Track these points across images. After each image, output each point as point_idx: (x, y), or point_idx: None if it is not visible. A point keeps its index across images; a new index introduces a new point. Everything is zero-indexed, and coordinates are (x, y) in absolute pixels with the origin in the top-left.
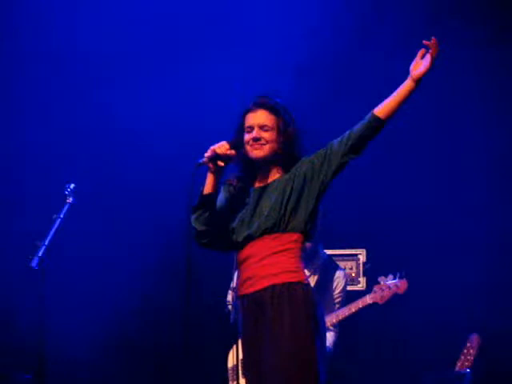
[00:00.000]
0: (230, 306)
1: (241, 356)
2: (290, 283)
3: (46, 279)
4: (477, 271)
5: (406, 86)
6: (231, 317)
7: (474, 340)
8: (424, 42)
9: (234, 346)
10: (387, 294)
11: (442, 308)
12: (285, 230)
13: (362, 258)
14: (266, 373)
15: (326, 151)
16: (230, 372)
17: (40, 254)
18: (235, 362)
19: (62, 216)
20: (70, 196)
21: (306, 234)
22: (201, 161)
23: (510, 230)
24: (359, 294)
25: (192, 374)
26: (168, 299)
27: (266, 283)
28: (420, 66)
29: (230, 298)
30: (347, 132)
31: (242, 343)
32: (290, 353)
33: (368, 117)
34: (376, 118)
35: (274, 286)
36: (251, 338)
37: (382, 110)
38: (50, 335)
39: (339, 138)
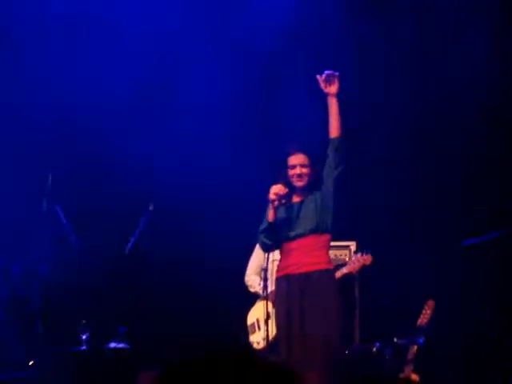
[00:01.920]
0: (252, 283)
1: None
2: (327, 270)
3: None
4: (434, 253)
5: (333, 104)
6: (263, 289)
7: (430, 304)
8: (325, 74)
9: (252, 310)
10: (358, 265)
11: (408, 281)
12: (322, 232)
13: (353, 247)
14: (306, 328)
15: (325, 182)
16: (249, 328)
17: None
18: (254, 321)
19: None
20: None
21: (331, 234)
22: (271, 204)
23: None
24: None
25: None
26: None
27: (311, 268)
28: (332, 86)
29: (247, 278)
30: (327, 163)
31: (283, 309)
32: (324, 316)
33: (330, 144)
34: (334, 140)
35: (317, 271)
36: (295, 306)
37: (332, 131)
38: None
39: (325, 170)
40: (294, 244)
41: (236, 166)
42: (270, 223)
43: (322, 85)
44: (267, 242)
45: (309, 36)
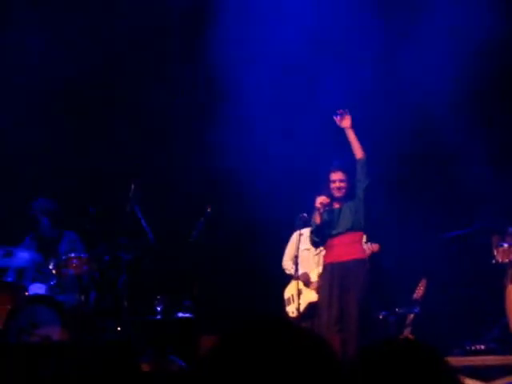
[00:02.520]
0: (287, 267)
1: (312, 297)
2: (361, 259)
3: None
4: (426, 243)
5: (350, 134)
6: (295, 272)
7: (423, 282)
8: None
9: (288, 287)
10: (368, 252)
11: (406, 265)
12: (356, 230)
13: (364, 239)
14: (345, 307)
15: (357, 192)
16: (286, 301)
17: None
18: (290, 296)
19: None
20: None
21: (364, 232)
22: (318, 210)
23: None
24: None
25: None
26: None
27: (350, 257)
28: (345, 121)
29: (284, 263)
30: (357, 178)
31: (327, 287)
32: (359, 297)
33: (357, 164)
34: (359, 161)
35: (355, 260)
36: (336, 285)
37: (356, 154)
38: None
39: (356, 184)
40: (335, 240)
41: (286, 181)
42: (317, 225)
43: (338, 122)
44: (316, 239)
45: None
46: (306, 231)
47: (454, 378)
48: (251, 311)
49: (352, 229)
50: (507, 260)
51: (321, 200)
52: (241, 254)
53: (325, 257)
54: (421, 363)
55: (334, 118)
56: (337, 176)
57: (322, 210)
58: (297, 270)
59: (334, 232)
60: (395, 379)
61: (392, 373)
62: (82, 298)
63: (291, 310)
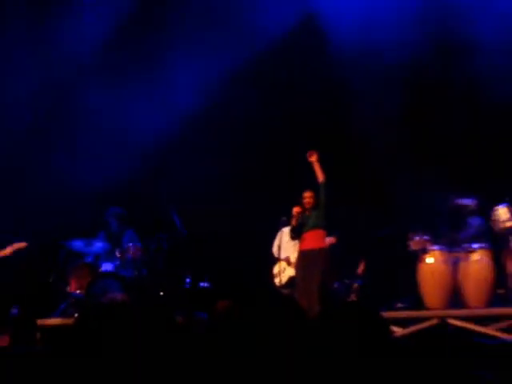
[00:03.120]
0: (275, 252)
1: (291, 273)
2: (323, 247)
3: None
4: (364, 238)
5: (316, 166)
6: (278, 256)
7: (363, 262)
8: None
9: (275, 266)
10: (328, 242)
11: (353, 251)
12: (319, 228)
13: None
14: (308, 277)
15: (319, 204)
16: (274, 275)
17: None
18: (276, 272)
19: None
20: None
21: (324, 229)
22: (295, 216)
23: None
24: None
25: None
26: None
27: (315, 246)
28: (313, 157)
29: (273, 249)
30: (320, 195)
31: (300, 268)
32: (320, 272)
33: (320, 186)
34: (321, 184)
35: (318, 248)
36: (305, 266)
37: (318, 179)
38: None
39: (320, 198)
40: (305, 235)
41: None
42: (294, 226)
43: (308, 157)
44: (293, 235)
45: None
46: (286, 229)
47: (385, 326)
48: (252, 282)
49: (315, 227)
50: (418, 248)
51: (296, 209)
52: (245, 246)
53: (299, 246)
54: (364, 317)
55: (307, 154)
56: (307, 194)
57: (296, 216)
58: (279, 255)
59: (305, 230)
60: (348, 328)
61: (345, 324)
62: (137, 273)
63: (277, 282)
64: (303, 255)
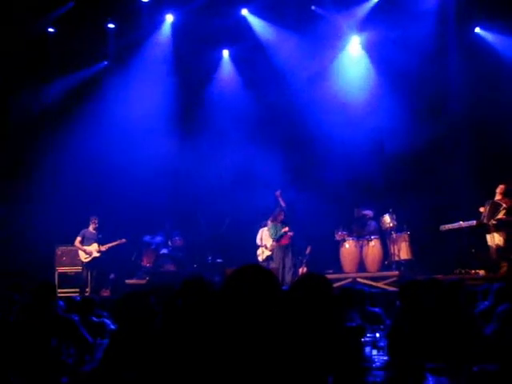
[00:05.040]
0: (258, 242)
1: (269, 253)
2: (289, 243)
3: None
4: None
5: (280, 199)
6: (260, 244)
7: (310, 247)
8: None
9: (258, 250)
10: (290, 235)
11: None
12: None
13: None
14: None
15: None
16: (258, 256)
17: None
18: (259, 253)
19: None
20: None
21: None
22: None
23: None
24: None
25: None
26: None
27: (286, 243)
28: (277, 193)
29: (257, 241)
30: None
31: (277, 257)
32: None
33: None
34: (283, 207)
35: (287, 243)
36: (282, 255)
37: (281, 205)
38: None
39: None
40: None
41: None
42: (276, 232)
43: (276, 194)
44: (274, 237)
45: None
46: (265, 229)
47: (330, 284)
48: (245, 261)
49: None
50: (340, 239)
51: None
52: (240, 240)
53: (279, 242)
54: (316, 280)
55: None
56: (280, 214)
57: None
58: (261, 243)
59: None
60: (308, 291)
61: (305, 287)
62: (180, 254)
63: (260, 259)
64: (279, 248)
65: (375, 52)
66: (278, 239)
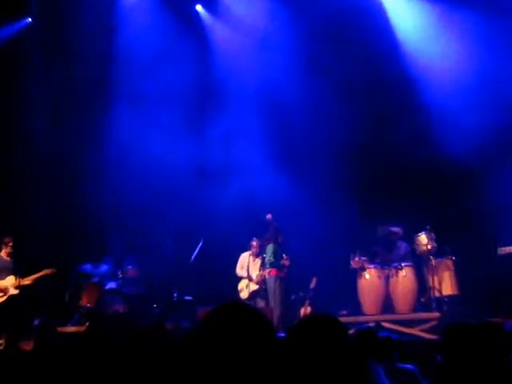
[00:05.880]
0: (239, 272)
1: (253, 288)
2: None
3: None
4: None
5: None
6: (246, 275)
7: (315, 279)
8: None
9: (239, 283)
10: (287, 264)
11: (307, 271)
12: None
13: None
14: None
15: None
16: (239, 291)
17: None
18: (240, 288)
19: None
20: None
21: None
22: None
23: None
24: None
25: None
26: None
27: (280, 274)
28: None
29: (237, 271)
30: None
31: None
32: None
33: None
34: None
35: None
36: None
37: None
38: None
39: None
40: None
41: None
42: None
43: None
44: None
45: None
46: (246, 253)
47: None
48: (224, 298)
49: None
50: (357, 266)
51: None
52: (219, 271)
53: (276, 272)
54: (325, 325)
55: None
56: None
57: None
58: (247, 275)
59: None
60: (314, 339)
61: (310, 335)
62: (134, 290)
63: (243, 296)
64: (270, 279)
65: None
66: (276, 265)
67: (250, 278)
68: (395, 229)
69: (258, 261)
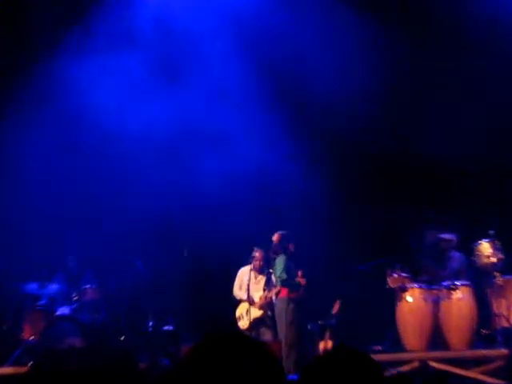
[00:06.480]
0: (237, 294)
1: (256, 314)
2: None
3: None
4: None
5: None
6: (246, 296)
7: (337, 303)
8: None
9: (238, 308)
10: (303, 282)
11: (326, 293)
12: None
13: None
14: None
15: None
16: (237, 318)
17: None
18: (239, 314)
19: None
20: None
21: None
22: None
23: None
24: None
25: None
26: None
27: (289, 296)
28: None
29: (234, 292)
30: None
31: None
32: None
33: None
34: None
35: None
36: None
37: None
38: None
39: None
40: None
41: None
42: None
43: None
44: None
45: None
46: (245, 268)
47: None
48: (218, 326)
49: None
50: (396, 285)
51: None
52: (210, 290)
53: (280, 293)
54: (353, 363)
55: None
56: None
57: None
58: (247, 296)
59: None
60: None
61: (332, 376)
62: (95, 317)
63: (242, 325)
64: (277, 302)
65: None
66: (289, 284)
67: (251, 301)
68: (447, 235)
69: (263, 278)
